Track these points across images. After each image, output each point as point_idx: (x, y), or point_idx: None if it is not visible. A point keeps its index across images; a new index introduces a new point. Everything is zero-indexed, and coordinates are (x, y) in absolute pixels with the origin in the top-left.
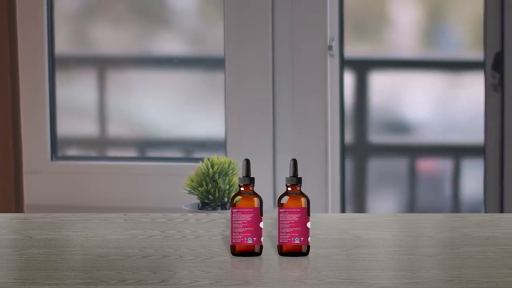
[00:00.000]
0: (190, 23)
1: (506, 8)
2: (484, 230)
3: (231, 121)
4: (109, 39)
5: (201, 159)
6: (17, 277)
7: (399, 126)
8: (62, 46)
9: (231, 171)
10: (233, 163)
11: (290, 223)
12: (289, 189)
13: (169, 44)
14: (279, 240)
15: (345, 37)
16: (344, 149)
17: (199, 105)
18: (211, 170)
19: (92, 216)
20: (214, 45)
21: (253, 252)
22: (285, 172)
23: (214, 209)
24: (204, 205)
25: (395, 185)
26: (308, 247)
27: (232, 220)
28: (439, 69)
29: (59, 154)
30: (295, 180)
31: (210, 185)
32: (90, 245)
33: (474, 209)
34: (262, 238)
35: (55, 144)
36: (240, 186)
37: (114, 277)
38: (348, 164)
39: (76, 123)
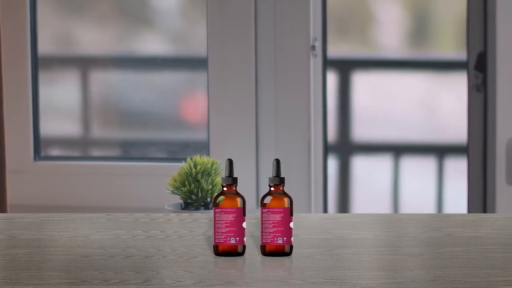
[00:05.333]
0: (172, 23)
1: (489, 9)
2: (467, 230)
3: (214, 121)
4: (92, 39)
5: (184, 159)
6: (0, 277)
7: (383, 125)
8: (45, 46)
9: (214, 171)
10: (216, 163)
11: (273, 223)
12: (272, 189)
13: (152, 44)
14: (262, 240)
15: (328, 37)
16: (327, 149)
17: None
18: (194, 170)
19: (75, 216)
20: (197, 45)
21: (236, 252)
22: (268, 172)
23: (197, 209)
24: (187, 205)
25: (378, 184)
26: (291, 247)
27: (215, 220)
28: (422, 69)
29: (42, 154)
30: (278, 180)
31: (193, 185)
32: (73, 245)
33: (457, 209)
34: (245, 238)
35: (38, 144)
36: (223, 186)
37: (97, 277)
38: (331, 164)
39: (59, 123)
